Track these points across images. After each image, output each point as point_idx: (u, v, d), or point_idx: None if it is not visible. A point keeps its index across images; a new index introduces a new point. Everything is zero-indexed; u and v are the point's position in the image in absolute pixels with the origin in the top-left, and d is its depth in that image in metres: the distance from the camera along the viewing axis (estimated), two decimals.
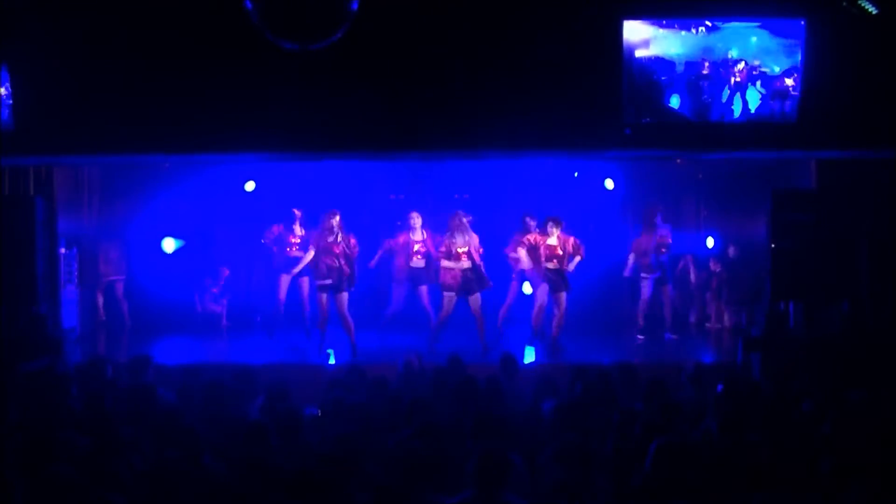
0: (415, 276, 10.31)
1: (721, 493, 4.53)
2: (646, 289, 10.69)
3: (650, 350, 10.12)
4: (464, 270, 9.56)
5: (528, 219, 10.41)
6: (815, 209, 9.02)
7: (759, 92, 8.02)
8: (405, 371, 7.18)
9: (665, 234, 10.76)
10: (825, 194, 9.16)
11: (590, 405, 5.91)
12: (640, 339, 10.60)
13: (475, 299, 9.61)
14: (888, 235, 8.72)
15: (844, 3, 7.38)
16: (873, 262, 8.94)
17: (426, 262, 10.21)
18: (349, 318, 9.50)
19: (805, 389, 6.49)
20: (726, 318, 11.74)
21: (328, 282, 9.47)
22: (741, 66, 7.99)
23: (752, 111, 8.06)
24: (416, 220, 10.27)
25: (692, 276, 12.13)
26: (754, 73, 7.99)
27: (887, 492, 4.37)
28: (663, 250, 10.70)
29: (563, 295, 9.77)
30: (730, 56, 7.97)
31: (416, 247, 10.20)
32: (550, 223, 9.84)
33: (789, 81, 7.97)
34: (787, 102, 8.01)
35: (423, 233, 10.29)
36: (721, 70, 7.98)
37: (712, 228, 12.56)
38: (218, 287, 12.13)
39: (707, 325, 11.98)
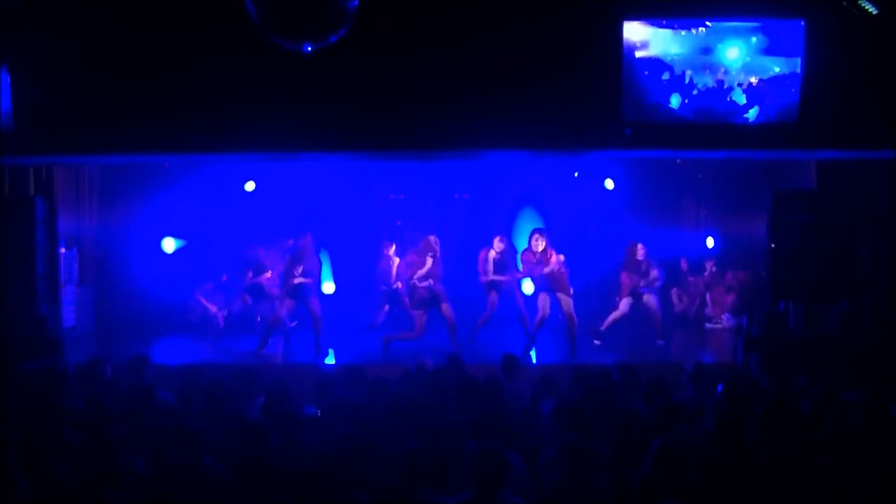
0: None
1: (721, 494, 4.53)
2: (624, 305, 10.45)
3: (650, 350, 10.11)
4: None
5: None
6: (815, 209, 9.04)
7: (759, 92, 8.02)
8: (416, 373, 7.17)
9: (648, 269, 10.47)
10: (825, 194, 9.17)
11: (590, 405, 5.90)
12: (660, 343, 10.42)
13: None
14: (888, 235, 8.72)
15: (844, 4, 7.38)
16: (873, 262, 8.95)
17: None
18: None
19: (805, 389, 6.49)
20: (726, 318, 11.75)
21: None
22: (741, 66, 7.99)
23: (752, 111, 8.07)
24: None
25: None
26: (754, 73, 7.99)
27: (887, 492, 4.37)
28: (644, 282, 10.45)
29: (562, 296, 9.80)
30: (730, 56, 7.97)
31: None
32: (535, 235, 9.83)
33: (789, 81, 7.98)
34: (787, 102, 8.01)
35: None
36: (721, 70, 7.99)
37: (712, 228, 12.57)
38: (217, 292, 12.10)
39: (707, 325, 11.99)
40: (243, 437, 5.15)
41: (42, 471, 4.48)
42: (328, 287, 11.99)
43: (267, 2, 4.45)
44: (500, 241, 10.25)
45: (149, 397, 6.22)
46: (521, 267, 9.93)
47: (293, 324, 10.53)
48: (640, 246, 10.48)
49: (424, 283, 9.75)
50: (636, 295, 10.49)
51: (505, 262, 10.17)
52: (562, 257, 9.79)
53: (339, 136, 8.22)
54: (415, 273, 9.81)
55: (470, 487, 4.25)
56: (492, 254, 10.18)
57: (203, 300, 11.75)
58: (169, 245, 12.17)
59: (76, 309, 11.05)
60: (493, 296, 10.28)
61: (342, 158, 9.85)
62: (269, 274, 11.13)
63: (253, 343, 10.06)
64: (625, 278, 10.52)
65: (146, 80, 7.97)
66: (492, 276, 10.14)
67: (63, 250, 10.48)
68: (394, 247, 11.13)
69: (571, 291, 9.86)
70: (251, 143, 8.31)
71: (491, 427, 5.12)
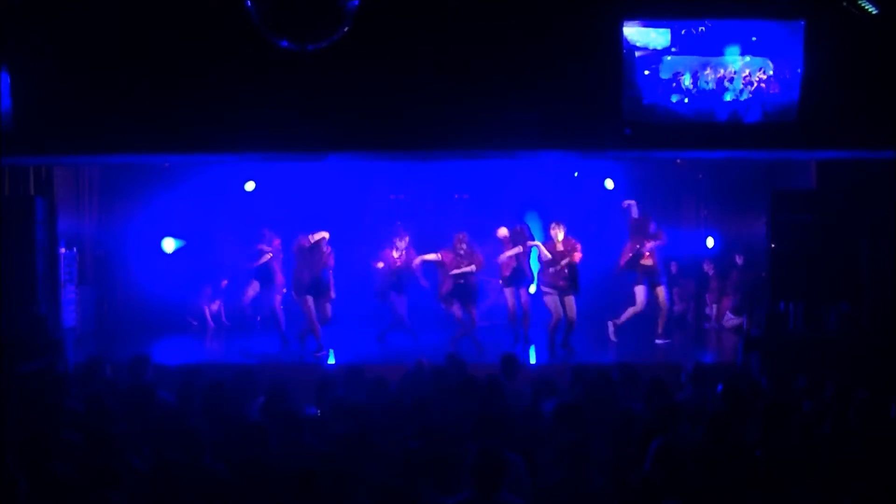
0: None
1: (721, 494, 4.53)
2: (640, 294, 10.29)
3: (650, 350, 10.11)
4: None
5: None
6: (815, 209, 9.03)
7: (759, 92, 8.02)
8: (415, 372, 7.17)
9: (650, 239, 10.27)
10: (825, 194, 9.17)
11: (590, 405, 5.90)
12: (659, 342, 10.38)
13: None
14: (888, 235, 8.72)
15: (844, 4, 7.39)
16: (873, 262, 8.94)
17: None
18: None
19: (805, 389, 6.49)
20: (726, 318, 11.75)
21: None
22: (741, 65, 7.99)
23: (752, 111, 8.06)
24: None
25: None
26: (754, 72, 7.99)
27: (887, 492, 4.37)
28: (647, 256, 10.25)
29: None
30: (729, 56, 7.97)
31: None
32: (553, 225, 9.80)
33: (789, 81, 7.98)
34: (787, 102, 8.01)
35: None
36: (720, 70, 7.98)
37: (712, 229, 12.57)
38: (217, 296, 12.09)
39: (707, 325, 11.98)
40: (243, 437, 5.16)
41: (42, 471, 4.48)
42: None
43: (267, 2, 4.46)
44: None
45: (149, 397, 6.23)
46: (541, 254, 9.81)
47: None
48: (634, 206, 10.26)
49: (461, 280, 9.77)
50: (651, 284, 10.27)
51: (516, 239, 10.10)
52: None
53: (339, 136, 8.22)
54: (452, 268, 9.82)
55: (470, 487, 4.25)
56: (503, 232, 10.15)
57: (206, 308, 11.72)
58: (169, 245, 12.17)
59: (76, 309, 11.05)
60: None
61: (342, 158, 9.85)
62: (269, 255, 10.55)
63: (249, 342, 10.08)
64: (626, 248, 10.30)
65: (146, 81, 7.97)
66: (508, 253, 10.01)
67: (63, 250, 10.48)
68: (407, 239, 10.45)
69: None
70: (251, 143, 8.31)
71: (491, 427, 5.12)
